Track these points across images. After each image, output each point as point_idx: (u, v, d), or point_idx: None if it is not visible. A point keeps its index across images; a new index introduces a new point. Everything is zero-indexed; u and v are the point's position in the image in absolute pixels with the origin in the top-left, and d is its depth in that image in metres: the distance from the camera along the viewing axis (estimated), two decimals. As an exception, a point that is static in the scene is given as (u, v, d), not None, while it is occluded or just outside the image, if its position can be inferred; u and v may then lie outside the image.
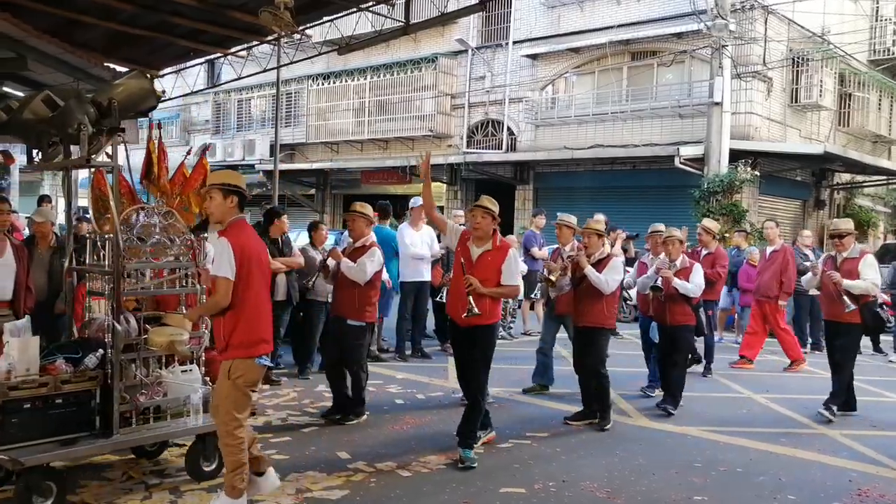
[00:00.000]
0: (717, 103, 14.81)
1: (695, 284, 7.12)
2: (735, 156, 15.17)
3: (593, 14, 18.30)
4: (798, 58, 16.86)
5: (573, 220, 7.90)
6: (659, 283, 7.21)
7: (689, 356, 7.56)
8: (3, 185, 16.17)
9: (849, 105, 18.57)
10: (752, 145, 15.63)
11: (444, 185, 20.46)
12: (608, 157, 17.49)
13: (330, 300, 8.66)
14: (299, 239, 12.30)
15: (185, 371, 5.07)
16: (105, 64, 8.96)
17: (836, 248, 7.19)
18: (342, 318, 6.53)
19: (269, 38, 10.33)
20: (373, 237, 6.78)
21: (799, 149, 16.53)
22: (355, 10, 9.37)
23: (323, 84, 23.32)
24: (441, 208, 18.27)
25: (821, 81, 16.89)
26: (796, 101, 17.19)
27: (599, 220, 7.08)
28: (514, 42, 19.57)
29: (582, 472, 5.35)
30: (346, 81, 22.72)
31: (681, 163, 15.32)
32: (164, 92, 11.11)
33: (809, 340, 11.38)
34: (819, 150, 15.67)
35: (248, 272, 4.26)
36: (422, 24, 9.98)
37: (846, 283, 6.89)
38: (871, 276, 6.93)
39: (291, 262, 7.97)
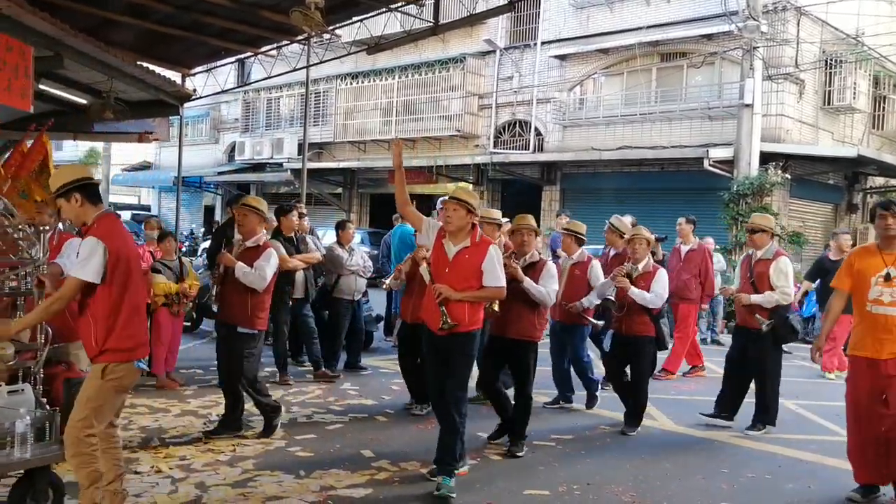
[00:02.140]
0: (747, 105, 14.66)
1: (655, 294, 6.34)
2: (765, 158, 14.99)
3: (622, 15, 18.19)
4: (831, 60, 16.61)
5: (498, 215, 6.85)
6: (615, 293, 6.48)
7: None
8: None
9: (883, 108, 18.27)
10: (783, 148, 15.44)
11: (471, 186, 20.46)
12: (636, 159, 17.38)
13: (356, 298, 8.76)
14: (326, 237, 12.40)
15: (14, 392, 4.13)
16: (138, 62, 9.11)
17: (751, 245, 6.78)
18: (232, 326, 5.84)
19: (299, 37, 10.42)
20: (266, 236, 6.14)
21: (831, 152, 16.27)
22: (385, 10, 9.43)
23: (351, 83, 23.44)
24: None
25: (854, 84, 16.63)
26: (829, 104, 16.94)
27: (528, 216, 6.14)
28: (543, 43, 19.51)
29: (607, 476, 5.32)
30: (375, 81, 22.83)
31: (710, 165, 15.19)
32: (194, 90, 11.29)
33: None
34: (852, 153, 15.42)
35: (125, 275, 3.90)
36: (450, 24, 10.01)
37: (753, 298, 6.41)
38: (780, 284, 6.40)
39: (308, 259, 7.95)
